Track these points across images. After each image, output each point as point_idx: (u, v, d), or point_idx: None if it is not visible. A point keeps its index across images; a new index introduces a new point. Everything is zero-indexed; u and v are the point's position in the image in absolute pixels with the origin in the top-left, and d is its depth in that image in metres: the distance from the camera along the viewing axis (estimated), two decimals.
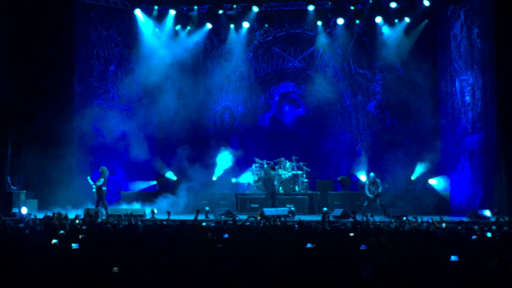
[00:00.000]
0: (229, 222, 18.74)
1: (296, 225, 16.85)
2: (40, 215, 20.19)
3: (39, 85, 27.39)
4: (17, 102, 27.06)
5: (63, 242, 12.74)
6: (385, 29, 29.64)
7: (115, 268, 9.36)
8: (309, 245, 12.00)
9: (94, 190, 25.50)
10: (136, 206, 26.31)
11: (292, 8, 30.49)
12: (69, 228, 15.90)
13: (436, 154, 28.91)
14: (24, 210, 24.59)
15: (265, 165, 28.20)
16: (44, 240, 13.54)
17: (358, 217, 19.83)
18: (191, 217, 19.67)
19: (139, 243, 12.92)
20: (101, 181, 25.46)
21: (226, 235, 14.00)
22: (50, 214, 19.78)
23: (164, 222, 18.42)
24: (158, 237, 13.93)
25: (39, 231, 15.70)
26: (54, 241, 12.81)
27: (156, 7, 30.13)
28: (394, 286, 9.29)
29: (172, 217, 20.70)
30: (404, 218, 19.28)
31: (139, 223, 17.96)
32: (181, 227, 16.00)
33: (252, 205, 26.30)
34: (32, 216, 19.83)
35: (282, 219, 20.73)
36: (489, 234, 13.94)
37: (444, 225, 17.04)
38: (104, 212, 24.39)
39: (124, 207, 26.10)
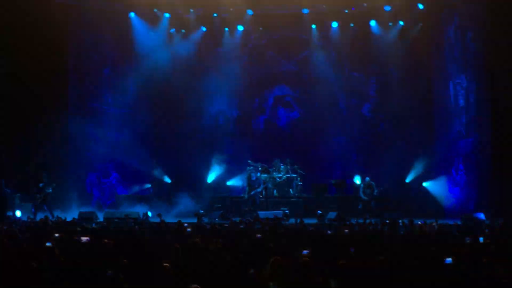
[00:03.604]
0: (225, 225, 18.75)
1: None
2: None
3: (34, 88, 27.33)
4: (11, 106, 27.07)
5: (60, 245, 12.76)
6: (380, 33, 29.67)
7: (109, 271, 9.35)
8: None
9: (39, 197, 25.02)
10: (130, 209, 26.23)
11: (286, 12, 30.45)
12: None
13: (430, 157, 28.93)
14: (18, 213, 24.54)
15: (259, 168, 28.25)
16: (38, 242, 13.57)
17: (353, 220, 19.94)
18: (185, 220, 19.71)
19: (134, 246, 12.92)
20: (50, 189, 25.12)
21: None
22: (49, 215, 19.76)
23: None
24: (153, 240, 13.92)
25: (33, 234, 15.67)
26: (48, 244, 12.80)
27: (152, 10, 30.02)
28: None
29: (166, 220, 20.75)
30: (400, 221, 19.30)
31: (136, 226, 17.92)
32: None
33: (247, 208, 26.27)
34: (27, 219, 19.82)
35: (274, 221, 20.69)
36: (481, 239, 13.96)
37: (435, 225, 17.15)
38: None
39: (118, 210, 26.06)
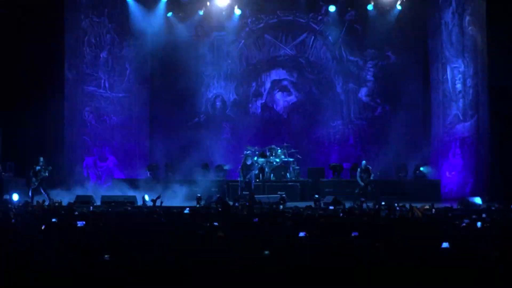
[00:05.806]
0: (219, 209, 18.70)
1: None
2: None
3: (30, 72, 27.26)
4: (7, 89, 27.01)
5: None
6: (377, 17, 29.62)
7: (106, 255, 9.32)
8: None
9: (35, 180, 24.84)
10: (127, 193, 26.19)
11: None
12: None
13: (427, 142, 28.97)
14: (15, 197, 24.50)
15: (256, 152, 28.23)
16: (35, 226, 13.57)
17: (349, 205, 19.95)
18: (183, 204, 19.67)
19: (132, 230, 12.91)
20: (46, 172, 24.96)
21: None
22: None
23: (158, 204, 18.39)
24: (151, 224, 13.89)
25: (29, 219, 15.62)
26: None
27: None
28: (388, 272, 9.33)
29: (164, 204, 20.73)
30: (396, 204, 19.32)
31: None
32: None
33: (244, 192, 26.23)
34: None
35: (274, 206, 20.67)
36: (479, 224, 13.96)
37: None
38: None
39: (115, 194, 26.00)
